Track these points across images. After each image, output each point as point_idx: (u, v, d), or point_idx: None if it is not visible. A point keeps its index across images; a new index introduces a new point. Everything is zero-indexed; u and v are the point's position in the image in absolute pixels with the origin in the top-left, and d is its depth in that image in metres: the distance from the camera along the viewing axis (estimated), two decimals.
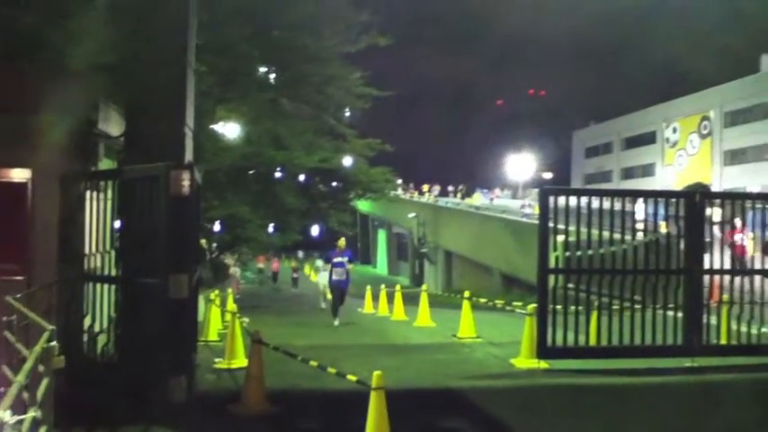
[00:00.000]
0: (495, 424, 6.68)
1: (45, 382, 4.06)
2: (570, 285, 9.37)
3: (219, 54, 17.45)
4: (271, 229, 33.03)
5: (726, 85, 50.43)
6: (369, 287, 23.26)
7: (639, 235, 9.48)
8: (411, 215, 51.32)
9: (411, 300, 17.63)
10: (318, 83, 21.99)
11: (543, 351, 8.74)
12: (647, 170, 61.30)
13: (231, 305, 12.74)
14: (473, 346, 11.12)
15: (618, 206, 9.30)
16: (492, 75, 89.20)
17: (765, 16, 42.98)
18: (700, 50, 50.91)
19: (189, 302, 6.84)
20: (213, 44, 16.40)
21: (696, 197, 9.19)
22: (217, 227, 27.01)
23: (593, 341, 9.15)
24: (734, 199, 9.63)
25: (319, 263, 23.92)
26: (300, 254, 60.39)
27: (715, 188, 43.56)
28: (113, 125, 9.28)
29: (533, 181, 68.06)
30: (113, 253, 7.48)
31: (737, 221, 9.66)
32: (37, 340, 4.43)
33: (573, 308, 9.30)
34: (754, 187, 41.74)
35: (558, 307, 8.83)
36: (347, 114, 30.52)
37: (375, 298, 20.50)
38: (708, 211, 9.38)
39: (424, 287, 16.54)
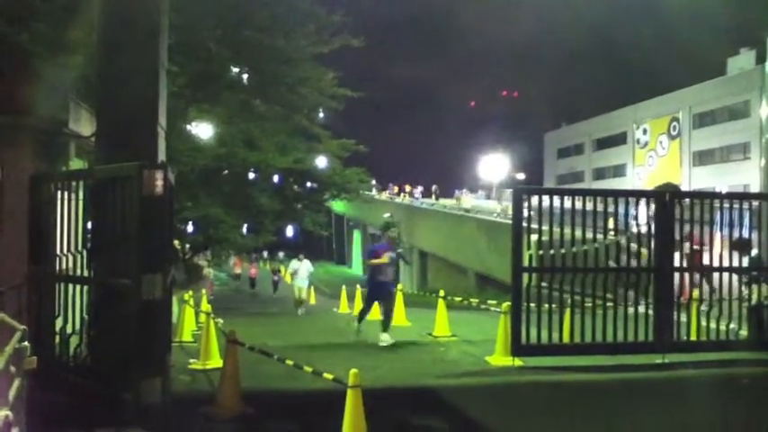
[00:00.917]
0: (471, 421, 6.72)
1: (16, 383, 4.00)
2: (544, 284, 9.48)
3: (190, 55, 17.31)
4: (245, 230, 32.86)
5: (694, 87, 51.31)
6: (344, 287, 23.27)
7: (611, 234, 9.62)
8: (386, 215, 51.37)
9: None
10: (291, 84, 21.89)
11: (517, 349, 8.82)
12: (618, 171, 62.12)
13: (206, 305, 12.64)
14: (448, 344, 11.17)
15: (590, 206, 9.42)
16: (464, 76, 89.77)
17: (732, 20, 43.84)
18: (669, 53, 51.81)
19: (162, 303, 6.77)
20: (184, 45, 16.27)
21: (666, 197, 9.34)
22: (190, 228, 26.80)
23: (566, 338, 9.26)
24: (703, 198, 9.81)
25: (296, 264, 21.47)
26: (281, 255, 58.98)
27: (684, 188, 44.28)
28: (84, 125, 9.16)
29: (507, 181, 68.54)
30: (85, 253, 7.38)
31: (698, 232, 9.82)
32: (7, 342, 4.36)
33: (546, 306, 9.42)
34: (721, 187, 42.49)
35: (532, 305, 8.92)
36: (321, 115, 30.48)
37: (350, 298, 20.49)
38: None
39: (399, 287, 16.56)
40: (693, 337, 9.83)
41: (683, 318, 9.67)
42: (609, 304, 9.16)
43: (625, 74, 63.97)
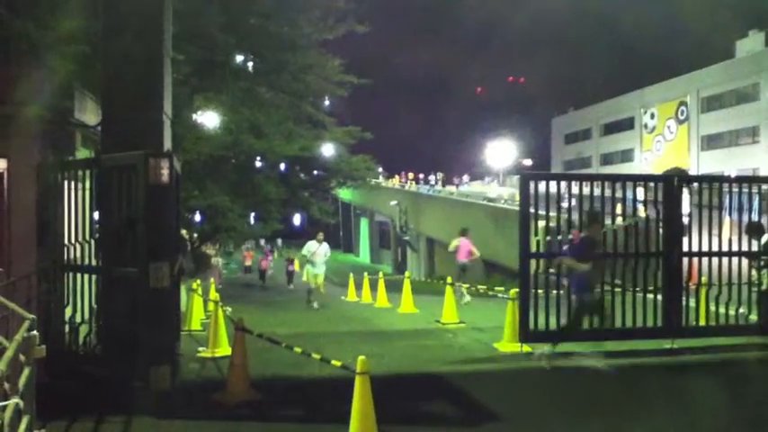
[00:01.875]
0: (479, 407, 6.72)
1: (26, 371, 4.02)
2: (551, 270, 9.44)
3: (195, 42, 17.24)
4: (252, 219, 32.85)
5: (702, 70, 50.88)
6: (351, 275, 23.31)
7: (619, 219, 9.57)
8: (392, 203, 51.37)
9: (394, 287, 17.69)
10: (296, 71, 21.80)
11: (525, 335, 8.81)
12: (626, 156, 61.78)
13: (214, 294, 12.68)
14: (456, 331, 11.18)
15: (597, 191, 9.37)
16: (471, 62, 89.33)
17: (740, 1, 43.41)
18: (676, 36, 51.38)
19: (170, 292, 6.79)
20: (188, 32, 16.20)
21: (674, 181, 9.27)
22: (197, 217, 26.82)
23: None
24: (712, 182, 9.74)
25: (313, 245, 16.69)
26: (279, 242, 54.65)
27: (692, 173, 44.05)
28: (90, 114, 9.15)
29: (514, 167, 68.40)
30: (93, 243, 7.40)
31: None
32: (17, 331, 4.37)
33: (554, 292, 9.38)
34: (730, 172, 42.25)
35: (540, 291, 8.90)
36: (326, 103, 30.38)
37: (358, 286, 20.52)
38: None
39: (407, 274, 16.57)
40: (702, 322, 9.78)
41: (693, 303, 9.63)
42: (617, 289, 9.13)
43: (632, 58, 63.61)
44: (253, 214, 31.32)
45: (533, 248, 8.89)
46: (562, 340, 8.83)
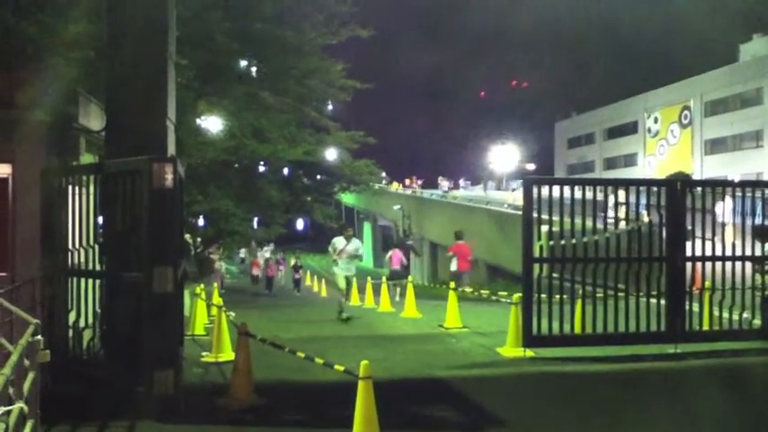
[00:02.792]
0: (483, 412, 6.72)
1: (30, 376, 4.03)
2: (555, 275, 9.44)
3: (199, 47, 17.31)
4: (256, 223, 32.88)
5: (706, 74, 50.81)
6: (354, 279, 23.24)
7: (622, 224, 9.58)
8: (396, 207, 51.37)
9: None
10: (299, 75, 21.89)
11: (529, 340, 8.81)
12: (629, 160, 61.72)
13: (217, 299, 12.69)
14: (459, 335, 11.17)
15: (600, 196, 9.37)
16: (474, 66, 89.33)
17: (744, 5, 43.38)
18: (680, 40, 51.33)
19: (174, 296, 6.80)
20: (192, 37, 16.26)
21: (678, 185, 9.27)
22: (201, 221, 26.87)
23: (578, 329, 9.22)
24: (715, 186, 9.73)
25: (340, 242, 13.96)
26: (270, 247, 47.40)
27: (696, 177, 43.97)
28: (94, 119, 9.19)
29: (517, 172, 68.34)
30: (97, 247, 7.42)
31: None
32: (21, 336, 4.39)
33: (558, 297, 9.38)
34: (734, 176, 42.17)
35: (543, 296, 8.89)
36: (330, 107, 30.44)
37: (361, 290, 20.50)
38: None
39: (410, 278, 16.56)
40: (706, 327, 9.77)
41: (696, 307, 9.62)
42: (620, 294, 9.12)
43: (636, 62, 63.55)
44: (256, 219, 31.36)
45: (536, 253, 8.90)
46: (567, 345, 8.83)
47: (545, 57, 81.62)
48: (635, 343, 9.00)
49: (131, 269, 6.72)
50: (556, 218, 9.22)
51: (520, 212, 9.18)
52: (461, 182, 61.87)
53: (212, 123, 21.32)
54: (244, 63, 21.63)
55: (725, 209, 10.30)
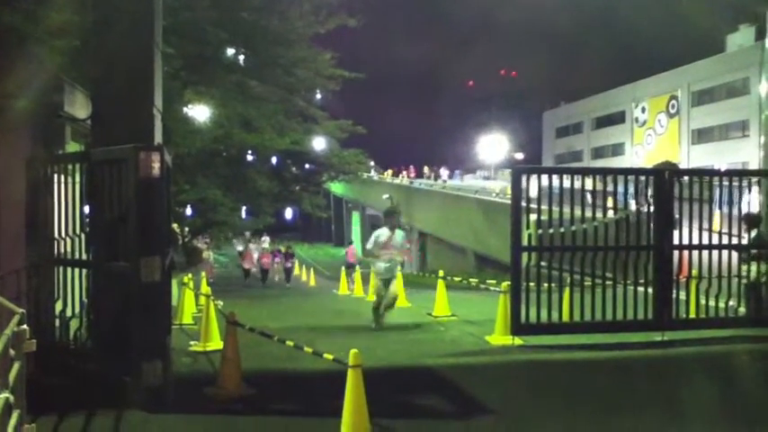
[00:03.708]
0: (471, 400, 6.75)
1: (16, 366, 4.00)
2: (543, 263, 9.48)
3: (185, 36, 17.15)
4: (244, 213, 32.75)
5: (693, 64, 51.05)
6: (344, 269, 23.31)
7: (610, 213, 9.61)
8: (385, 197, 51.33)
9: None
10: (287, 65, 21.74)
11: (517, 328, 8.85)
12: (617, 150, 61.95)
13: (205, 288, 12.65)
14: (448, 324, 11.20)
15: (588, 184, 9.40)
16: (463, 56, 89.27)
17: None
18: (667, 30, 51.49)
19: (161, 286, 6.76)
20: (179, 26, 16.12)
21: (665, 175, 9.31)
22: (188, 211, 26.75)
23: (566, 317, 9.29)
24: (702, 176, 9.79)
25: (379, 238, 11.09)
26: (248, 234, 43.73)
27: (683, 167, 44.20)
28: (80, 108, 9.08)
29: (505, 161, 68.52)
30: (83, 237, 7.36)
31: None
32: (6, 326, 4.35)
33: (546, 285, 9.42)
34: (720, 166, 42.43)
35: (532, 284, 8.93)
36: (318, 97, 30.33)
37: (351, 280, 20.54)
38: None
39: (398, 267, 16.55)
40: (693, 315, 9.85)
41: (683, 295, 9.69)
42: (608, 282, 9.17)
43: (624, 52, 63.76)
44: (244, 208, 31.24)
45: (525, 242, 8.92)
46: (555, 333, 8.88)
47: (534, 46, 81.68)
48: (622, 331, 9.06)
49: (118, 258, 6.68)
50: (545, 206, 9.23)
51: (507, 201, 9.20)
52: (442, 170, 61.39)
53: (200, 112, 21.18)
54: (231, 52, 21.46)
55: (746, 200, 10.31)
